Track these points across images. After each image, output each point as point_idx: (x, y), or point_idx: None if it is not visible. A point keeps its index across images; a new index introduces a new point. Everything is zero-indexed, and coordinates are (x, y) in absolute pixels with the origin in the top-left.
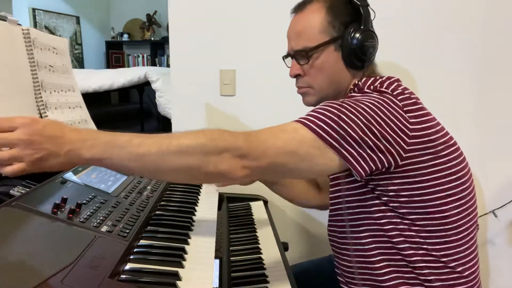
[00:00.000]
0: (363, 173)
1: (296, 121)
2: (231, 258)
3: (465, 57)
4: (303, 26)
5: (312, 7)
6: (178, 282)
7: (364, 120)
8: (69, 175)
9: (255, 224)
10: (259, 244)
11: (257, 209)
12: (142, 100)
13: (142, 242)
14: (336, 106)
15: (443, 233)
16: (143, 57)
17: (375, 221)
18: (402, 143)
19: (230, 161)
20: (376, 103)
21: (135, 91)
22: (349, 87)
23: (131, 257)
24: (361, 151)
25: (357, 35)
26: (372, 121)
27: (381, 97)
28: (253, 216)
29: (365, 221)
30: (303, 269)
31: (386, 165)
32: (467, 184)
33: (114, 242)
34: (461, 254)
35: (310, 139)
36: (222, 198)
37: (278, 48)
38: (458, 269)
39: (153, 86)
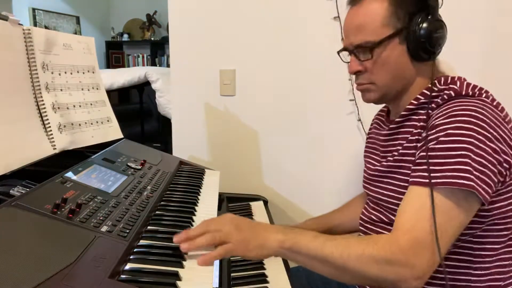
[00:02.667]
0: (488, 198)
1: (419, 184)
2: (231, 258)
3: (466, 56)
4: (363, 18)
5: None
6: (178, 282)
7: (478, 150)
8: (69, 175)
9: None
10: None
11: (257, 209)
12: (142, 100)
13: (142, 242)
14: (460, 145)
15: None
16: (143, 57)
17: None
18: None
19: (397, 273)
20: (481, 123)
21: (135, 91)
22: (414, 82)
23: (131, 257)
24: (486, 179)
25: (425, 25)
26: (487, 148)
27: (483, 109)
28: (253, 216)
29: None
30: (303, 269)
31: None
32: None
33: (114, 242)
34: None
35: (449, 196)
36: (222, 198)
37: (278, 48)
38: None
39: (153, 86)
